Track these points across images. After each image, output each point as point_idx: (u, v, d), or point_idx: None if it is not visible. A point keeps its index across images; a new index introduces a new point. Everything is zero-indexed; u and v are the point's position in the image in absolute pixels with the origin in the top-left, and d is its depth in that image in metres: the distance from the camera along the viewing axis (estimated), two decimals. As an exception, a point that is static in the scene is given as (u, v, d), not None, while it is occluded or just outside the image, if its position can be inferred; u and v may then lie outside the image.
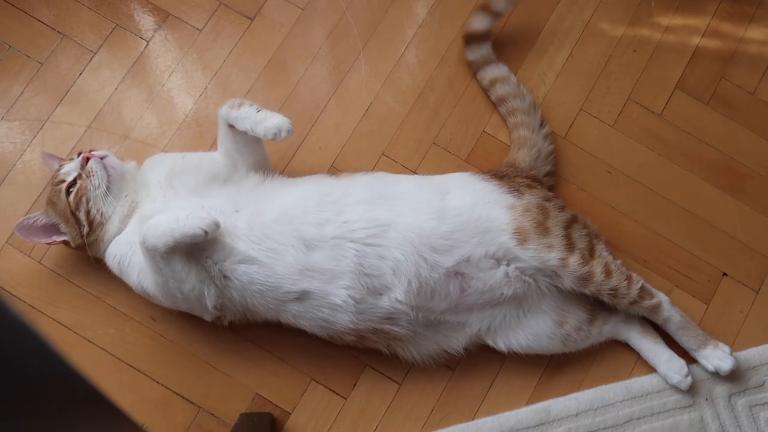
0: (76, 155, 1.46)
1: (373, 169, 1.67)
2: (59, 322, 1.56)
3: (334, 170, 1.66)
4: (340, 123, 1.70)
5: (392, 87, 1.72)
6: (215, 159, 1.49)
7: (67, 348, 1.37)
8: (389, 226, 1.33)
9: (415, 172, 1.67)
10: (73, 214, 1.42)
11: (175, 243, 1.26)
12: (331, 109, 1.71)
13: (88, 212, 1.41)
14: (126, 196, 1.44)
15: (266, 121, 1.34)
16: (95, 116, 1.68)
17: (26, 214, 1.57)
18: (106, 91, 1.69)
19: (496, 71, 1.68)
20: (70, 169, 1.43)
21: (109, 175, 1.41)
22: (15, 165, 1.64)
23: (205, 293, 1.33)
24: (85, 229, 1.42)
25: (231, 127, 1.42)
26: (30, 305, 1.57)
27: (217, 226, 1.28)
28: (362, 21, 1.75)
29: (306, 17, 1.75)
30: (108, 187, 1.41)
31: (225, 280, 1.33)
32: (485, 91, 1.71)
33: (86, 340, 1.55)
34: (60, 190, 1.43)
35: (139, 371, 1.55)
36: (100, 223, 1.41)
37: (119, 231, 1.43)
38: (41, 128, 1.66)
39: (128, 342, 1.56)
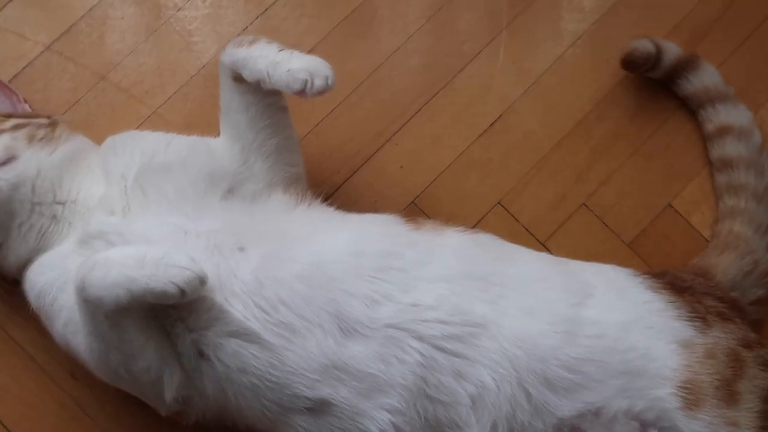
0: None
1: (478, 224, 1.48)
2: None
3: (413, 212, 1.50)
4: (443, 135, 1.51)
5: (538, 99, 1.53)
6: (216, 150, 1.35)
7: None
8: (484, 327, 1.19)
9: (543, 245, 1.47)
10: None
11: (131, 300, 1.10)
12: (433, 109, 1.53)
13: None
14: (20, 223, 1.31)
15: (291, 62, 1.23)
16: (62, 33, 1.53)
17: None
18: (89, -2, 1.50)
19: (733, 115, 1.49)
20: None
21: None
22: None
23: (164, 379, 1.19)
24: None
25: (238, 81, 1.31)
26: None
27: (203, 283, 1.11)
28: (517, -17, 1.54)
29: (427, -45, 1.56)
30: None
31: (200, 360, 1.18)
32: (706, 140, 1.51)
33: (-40, 387, 1.40)
34: None
35: (31, 454, 1.40)
36: None
37: (42, 249, 1.30)
38: (-25, 34, 1.51)
39: (27, 403, 1.40)
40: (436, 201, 1.51)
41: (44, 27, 1.54)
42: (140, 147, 1.32)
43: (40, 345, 1.41)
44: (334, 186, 1.51)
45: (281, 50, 1.26)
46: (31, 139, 1.32)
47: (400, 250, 1.23)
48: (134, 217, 1.25)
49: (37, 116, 1.35)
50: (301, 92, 1.20)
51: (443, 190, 1.51)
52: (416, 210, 1.50)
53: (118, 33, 1.55)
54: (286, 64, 1.23)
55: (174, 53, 1.55)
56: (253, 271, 1.19)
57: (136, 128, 1.46)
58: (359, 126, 1.52)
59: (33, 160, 1.30)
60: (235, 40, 1.30)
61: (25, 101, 1.42)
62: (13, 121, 1.33)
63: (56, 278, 1.24)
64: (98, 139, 1.35)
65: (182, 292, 1.09)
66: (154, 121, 1.50)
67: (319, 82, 1.20)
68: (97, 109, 1.49)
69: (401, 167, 1.51)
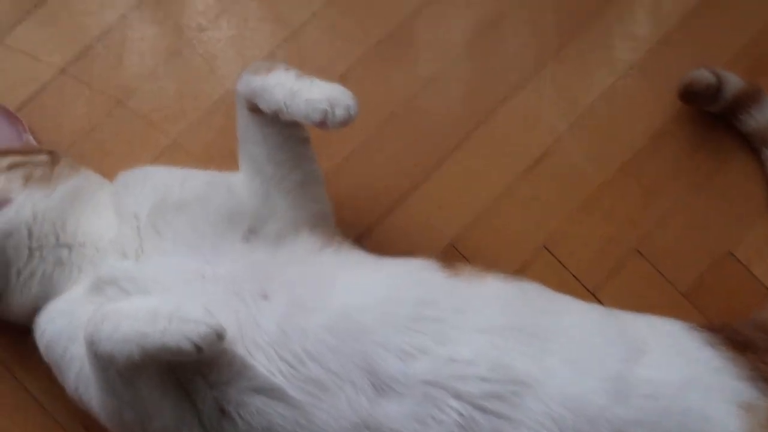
0: None
1: (522, 269, 1.42)
2: None
3: (451, 254, 1.43)
4: (484, 171, 1.46)
5: (588, 133, 1.47)
6: (235, 186, 1.32)
7: None
8: (527, 385, 1.14)
9: (593, 294, 1.40)
10: None
11: (144, 357, 1.07)
12: (474, 143, 1.47)
13: None
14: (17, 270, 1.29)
15: (310, 91, 1.19)
16: (78, 55, 1.48)
17: None
18: (107, 16, 1.49)
19: None
20: None
21: None
22: None
23: None
24: None
25: (255, 112, 1.29)
26: None
27: (221, 338, 1.09)
28: (567, 8, 1.50)
29: (472, -24, 1.49)
30: None
31: (222, 418, 1.15)
32: None
33: (-39, 435, 1.34)
34: None
35: None
36: None
37: (49, 295, 1.26)
38: (-17, 53, 1.47)
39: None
40: (476, 243, 1.46)
41: (58, 48, 1.49)
42: (153, 183, 1.30)
43: (52, 395, 1.38)
44: (365, 227, 1.47)
45: (300, 78, 1.23)
46: (27, 179, 1.30)
47: (436, 298, 1.20)
48: (148, 260, 1.24)
49: (38, 151, 1.33)
50: (322, 123, 1.17)
51: (484, 231, 1.46)
52: (454, 253, 1.45)
53: (137, 55, 1.51)
54: (305, 93, 1.20)
55: (196, 77, 1.50)
56: (277, 320, 1.16)
57: (155, 158, 1.47)
58: (392, 161, 1.47)
59: (27, 203, 1.28)
60: (251, 68, 1.27)
61: (30, 131, 1.40)
62: (9, 160, 1.31)
63: (66, 327, 1.21)
64: (114, 169, 1.33)
65: (198, 348, 1.07)
66: (173, 150, 1.48)
67: (340, 113, 1.17)
68: (113, 136, 1.45)
69: (439, 207, 1.46)
